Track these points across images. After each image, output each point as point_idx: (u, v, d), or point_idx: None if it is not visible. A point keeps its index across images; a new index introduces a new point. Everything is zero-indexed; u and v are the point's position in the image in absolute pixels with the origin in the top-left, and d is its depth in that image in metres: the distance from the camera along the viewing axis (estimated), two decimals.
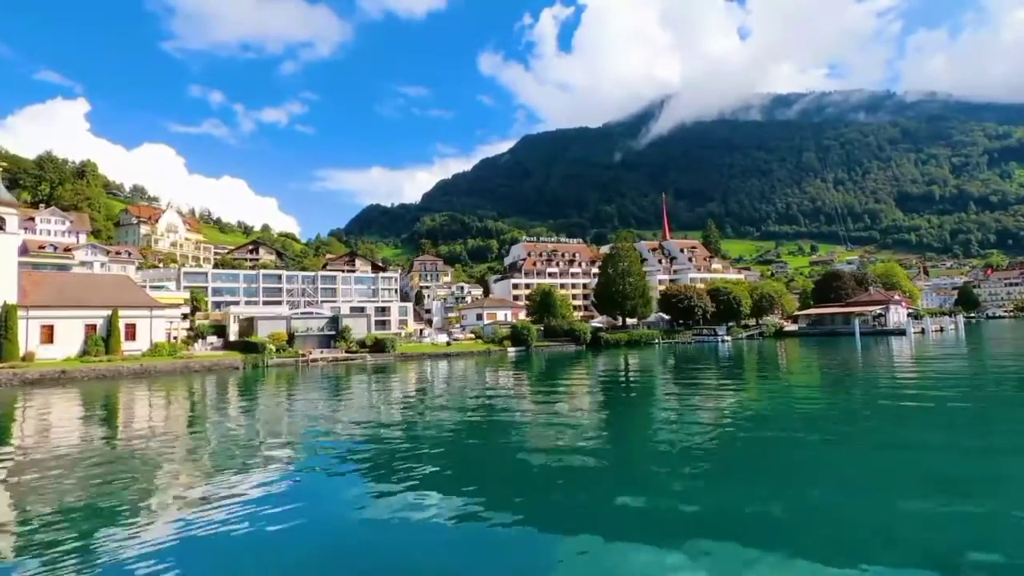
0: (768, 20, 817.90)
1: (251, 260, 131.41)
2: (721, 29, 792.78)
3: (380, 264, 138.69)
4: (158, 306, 53.28)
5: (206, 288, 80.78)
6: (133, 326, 50.64)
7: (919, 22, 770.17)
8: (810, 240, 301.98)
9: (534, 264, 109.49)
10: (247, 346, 54.94)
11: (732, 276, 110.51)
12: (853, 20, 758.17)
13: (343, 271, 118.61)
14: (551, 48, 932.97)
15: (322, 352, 58.90)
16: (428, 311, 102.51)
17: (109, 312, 48.92)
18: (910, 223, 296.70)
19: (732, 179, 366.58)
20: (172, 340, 54.71)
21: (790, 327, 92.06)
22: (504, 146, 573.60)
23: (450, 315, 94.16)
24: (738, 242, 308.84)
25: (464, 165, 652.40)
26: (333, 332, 62.48)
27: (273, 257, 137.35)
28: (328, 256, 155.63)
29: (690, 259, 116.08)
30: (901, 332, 78.50)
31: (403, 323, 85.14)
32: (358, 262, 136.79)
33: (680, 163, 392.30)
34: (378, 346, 59.63)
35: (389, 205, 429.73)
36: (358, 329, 63.52)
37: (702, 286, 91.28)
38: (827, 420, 20.83)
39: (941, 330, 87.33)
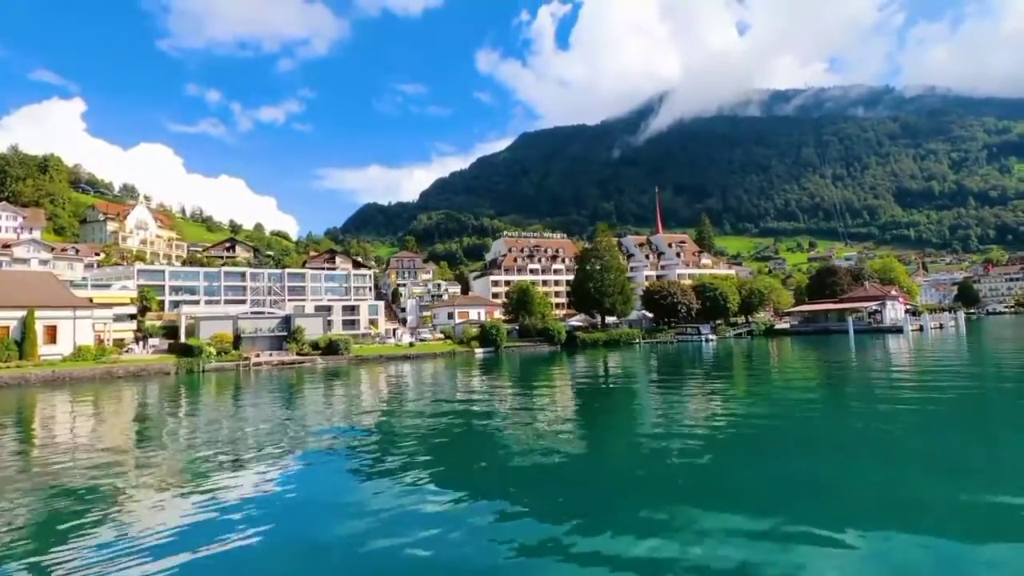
0: (767, 14, 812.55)
1: (226, 258, 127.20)
2: (720, 24, 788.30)
3: (361, 261, 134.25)
4: (84, 306, 48.88)
5: (163, 287, 76.32)
6: (54, 328, 46.25)
7: (921, 14, 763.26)
8: (809, 236, 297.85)
9: (515, 260, 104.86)
10: (184, 349, 50.64)
11: (722, 271, 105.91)
12: (854, 12, 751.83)
13: (324, 268, 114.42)
14: (549, 45, 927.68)
15: (271, 355, 54.59)
16: (404, 310, 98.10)
17: (24, 313, 44.53)
18: (909, 219, 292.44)
19: (731, 175, 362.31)
20: (102, 343, 50.37)
21: (781, 325, 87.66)
22: (502, 143, 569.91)
23: (424, 314, 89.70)
24: (736, 238, 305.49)
25: (462, 163, 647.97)
26: (285, 333, 58.12)
27: (250, 255, 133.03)
28: (311, 254, 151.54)
29: (678, 254, 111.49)
30: (898, 330, 74.01)
31: (373, 323, 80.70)
32: (338, 259, 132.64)
33: (679, 159, 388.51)
34: (331, 348, 55.26)
35: (386, 204, 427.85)
36: (313, 329, 59.14)
37: (689, 282, 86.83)
38: (811, 456, 16.45)
39: (941, 327, 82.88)
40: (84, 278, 63.37)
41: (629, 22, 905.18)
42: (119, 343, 52.64)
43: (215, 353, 50.70)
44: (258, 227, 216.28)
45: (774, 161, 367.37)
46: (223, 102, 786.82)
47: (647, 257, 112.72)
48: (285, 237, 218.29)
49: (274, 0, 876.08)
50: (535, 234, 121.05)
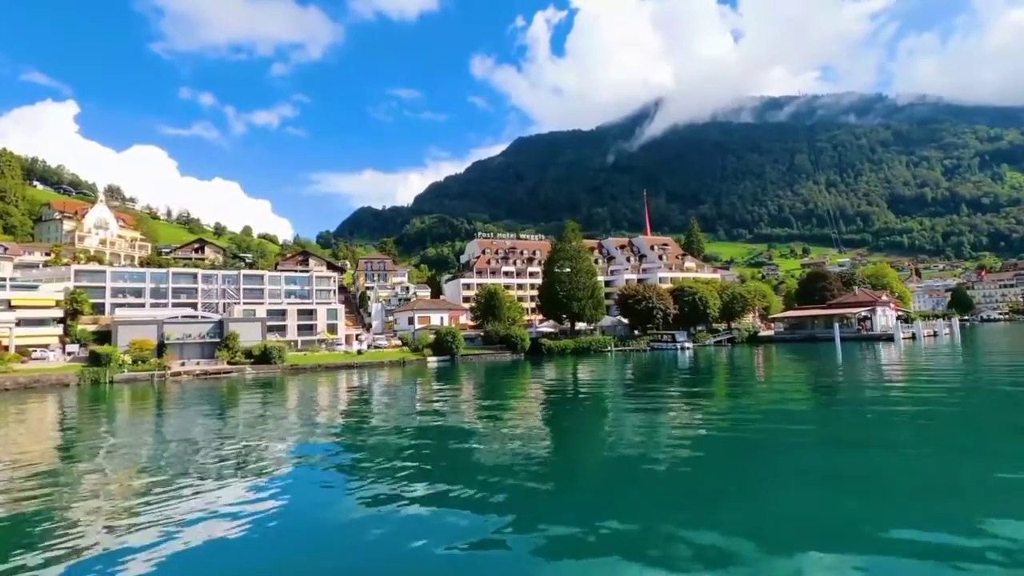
0: (761, 23, 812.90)
1: (194, 259, 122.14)
2: (714, 32, 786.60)
3: (333, 263, 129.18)
4: None
5: (104, 288, 70.97)
6: None
7: (911, 25, 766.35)
8: (802, 243, 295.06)
9: (488, 262, 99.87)
10: (94, 357, 45.45)
11: (705, 275, 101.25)
12: (846, 23, 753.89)
13: (294, 271, 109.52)
14: (544, 51, 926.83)
15: (197, 363, 49.47)
16: (371, 314, 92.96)
17: None
18: (902, 225, 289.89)
19: (725, 181, 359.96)
20: (6, 349, 45.16)
21: (766, 332, 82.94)
22: (497, 148, 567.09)
23: (389, 319, 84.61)
24: (731, 244, 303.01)
25: (457, 168, 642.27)
26: (217, 339, 52.96)
27: (219, 256, 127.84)
28: (286, 255, 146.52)
29: (661, 257, 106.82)
30: (889, 338, 69.35)
31: (332, 328, 75.55)
32: (312, 262, 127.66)
33: (673, 165, 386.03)
34: (264, 357, 50.14)
35: (381, 208, 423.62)
36: (249, 336, 54.00)
37: (668, 285, 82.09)
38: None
39: (934, 335, 78.41)
40: (3, 279, 58.03)
41: (624, 29, 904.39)
42: (23, 350, 47.32)
43: (130, 362, 45.52)
44: (246, 230, 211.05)
45: (768, 167, 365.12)
46: (217, 106, 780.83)
47: (628, 260, 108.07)
48: (273, 240, 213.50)
49: (268, 4, 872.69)
50: (512, 235, 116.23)
